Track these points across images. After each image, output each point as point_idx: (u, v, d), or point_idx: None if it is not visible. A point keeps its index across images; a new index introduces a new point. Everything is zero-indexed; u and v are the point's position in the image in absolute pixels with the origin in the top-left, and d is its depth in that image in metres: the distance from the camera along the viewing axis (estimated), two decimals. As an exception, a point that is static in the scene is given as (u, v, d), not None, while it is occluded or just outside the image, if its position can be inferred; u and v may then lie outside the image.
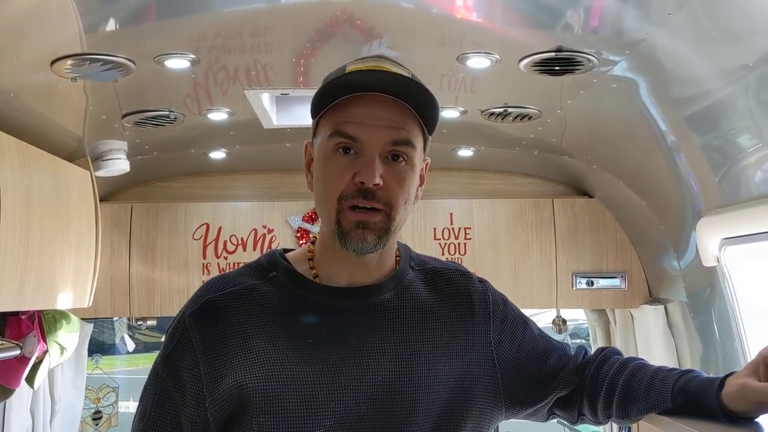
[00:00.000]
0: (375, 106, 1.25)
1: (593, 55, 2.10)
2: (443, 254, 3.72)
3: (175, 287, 3.66)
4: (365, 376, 1.27)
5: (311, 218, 3.70)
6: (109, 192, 3.70)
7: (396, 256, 1.42)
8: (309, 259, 1.38)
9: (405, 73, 1.30)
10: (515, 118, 2.81)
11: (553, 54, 2.09)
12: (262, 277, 1.36)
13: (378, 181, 1.24)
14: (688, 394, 1.29)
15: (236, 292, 1.32)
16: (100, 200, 3.17)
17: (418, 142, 1.30)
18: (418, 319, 1.35)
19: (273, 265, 1.38)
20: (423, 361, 1.31)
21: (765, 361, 1.23)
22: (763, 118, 2.02)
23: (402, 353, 1.30)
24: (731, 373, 1.28)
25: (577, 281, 3.69)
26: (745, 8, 1.65)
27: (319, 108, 1.30)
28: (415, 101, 1.27)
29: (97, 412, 4.27)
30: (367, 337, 1.30)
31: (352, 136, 1.25)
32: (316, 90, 1.31)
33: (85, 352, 3.74)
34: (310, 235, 3.65)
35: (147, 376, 1.35)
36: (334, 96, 1.27)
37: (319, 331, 1.29)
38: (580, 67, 2.17)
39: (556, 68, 2.19)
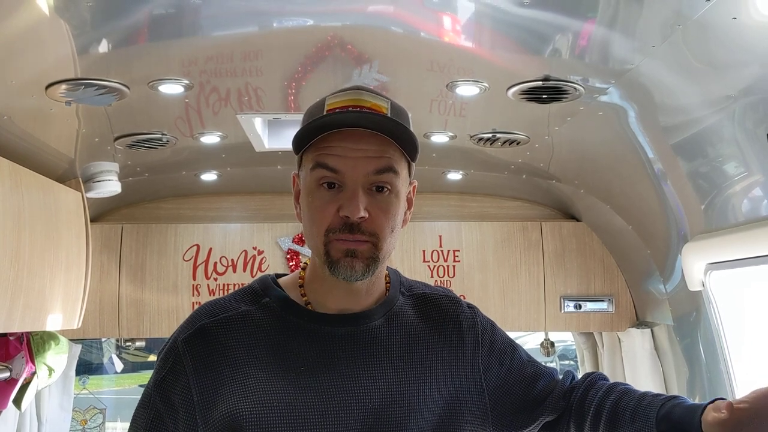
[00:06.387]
0: (355, 139, 1.27)
1: (580, 84, 2.13)
2: (432, 276, 3.74)
3: (165, 308, 3.66)
4: (356, 402, 1.28)
5: (301, 240, 3.70)
6: (100, 213, 3.70)
7: (386, 282, 1.44)
8: (300, 286, 1.40)
9: (383, 104, 1.32)
10: (503, 143, 2.84)
11: (540, 83, 2.13)
12: (254, 303, 1.37)
13: (363, 214, 1.26)
14: (672, 420, 1.31)
15: (229, 318, 1.34)
16: (91, 221, 3.17)
17: (401, 168, 1.32)
18: (407, 346, 1.37)
19: (265, 290, 1.39)
20: (413, 387, 1.33)
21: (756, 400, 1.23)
22: (748, 147, 2.06)
23: (392, 380, 1.32)
24: (715, 400, 1.29)
25: (565, 304, 3.71)
26: (725, 43, 1.69)
27: (301, 144, 1.32)
28: (394, 133, 1.29)
29: (84, 433, 4.24)
30: (358, 364, 1.31)
31: (333, 168, 1.27)
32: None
33: (73, 373, 3.71)
34: (300, 257, 3.67)
35: (138, 400, 1.35)
36: (315, 134, 1.29)
37: (311, 359, 1.30)
38: (567, 95, 2.21)
39: (544, 96, 2.23)
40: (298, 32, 1.95)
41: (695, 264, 2.59)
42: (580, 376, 1.54)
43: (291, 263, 3.70)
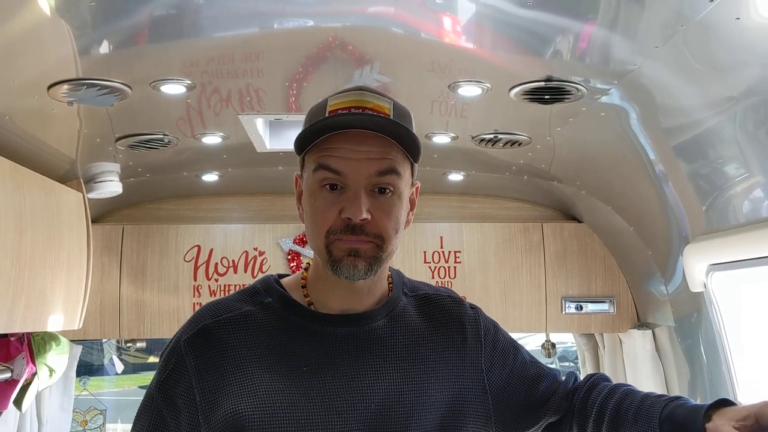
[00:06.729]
0: (357, 140, 1.27)
1: (582, 85, 2.13)
2: (433, 277, 3.74)
3: (166, 309, 3.66)
4: (359, 402, 1.28)
5: (302, 241, 3.71)
6: (101, 213, 3.70)
7: (389, 282, 1.44)
8: (303, 286, 1.39)
9: (386, 104, 1.31)
10: (505, 144, 2.84)
11: (542, 83, 2.13)
12: (257, 303, 1.37)
13: (365, 215, 1.25)
14: (674, 421, 1.31)
15: (232, 318, 1.34)
16: (92, 222, 3.16)
17: (404, 169, 1.31)
18: (410, 346, 1.37)
19: (268, 290, 1.39)
20: (415, 388, 1.32)
21: (759, 417, 1.21)
22: (749, 148, 2.06)
23: (395, 380, 1.32)
24: (718, 401, 1.29)
25: (566, 305, 3.70)
26: (727, 44, 1.69)
27: (303, 145, 1.31)
28: (396, 135, 1.28)
29: (84, 434, 4.23)
30: (360, 364, 1.31)
31: (335, 169, 1.27)
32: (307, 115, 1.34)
33: (74, 374, 3.71)
34: (301, 258, 3.66)
35: (140, 401, 1.35)
36: (317, 135, 1.28)
37: (314, 359, 1.30)
38: (569, 96, 2.21)
39: (546, 97, 2.23)
40: (298, 33, 1.95)
41: (696, 265, 2.59)
42: (582, 377, 1.54)
43: (292, 264, 3.70)
